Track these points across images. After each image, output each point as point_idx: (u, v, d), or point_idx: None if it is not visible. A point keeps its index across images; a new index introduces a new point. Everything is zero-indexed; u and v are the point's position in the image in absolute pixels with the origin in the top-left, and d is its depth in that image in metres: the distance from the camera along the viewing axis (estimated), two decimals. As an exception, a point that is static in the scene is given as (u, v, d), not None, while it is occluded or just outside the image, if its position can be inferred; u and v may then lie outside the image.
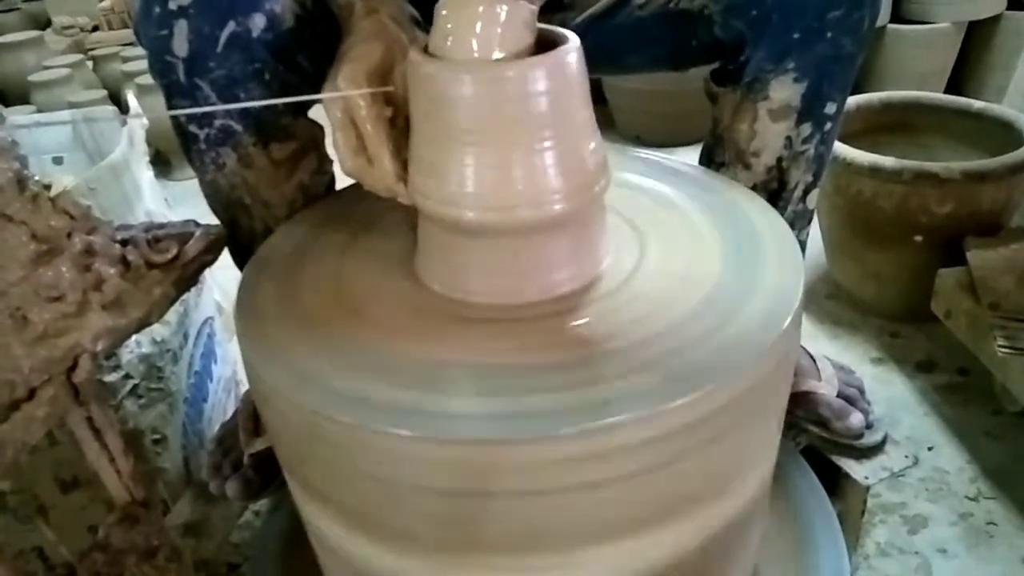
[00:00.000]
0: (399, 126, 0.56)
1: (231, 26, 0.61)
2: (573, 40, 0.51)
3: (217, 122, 0.65)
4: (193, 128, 0.66)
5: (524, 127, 0.50)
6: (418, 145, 0.53)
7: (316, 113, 0.68)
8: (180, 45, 0.61)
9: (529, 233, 0.53)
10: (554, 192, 0.51)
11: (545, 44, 0.51)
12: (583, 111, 0.52)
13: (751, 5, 0.68)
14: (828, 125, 0.72)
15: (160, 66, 0.63)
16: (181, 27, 0.60)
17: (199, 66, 0.62)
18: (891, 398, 1.12)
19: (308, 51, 0.64)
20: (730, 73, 0.74)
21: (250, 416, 0.82)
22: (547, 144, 0.50)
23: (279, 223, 0.72)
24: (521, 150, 0.50)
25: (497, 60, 0.50)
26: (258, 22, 0.62)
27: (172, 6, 0.60)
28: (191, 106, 0.64)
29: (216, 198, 0.72)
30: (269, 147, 0.68)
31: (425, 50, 0.52)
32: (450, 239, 0.55)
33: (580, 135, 0.52)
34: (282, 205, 0.71)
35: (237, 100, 0.64)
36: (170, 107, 0.66)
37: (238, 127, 0.66)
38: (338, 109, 0.55)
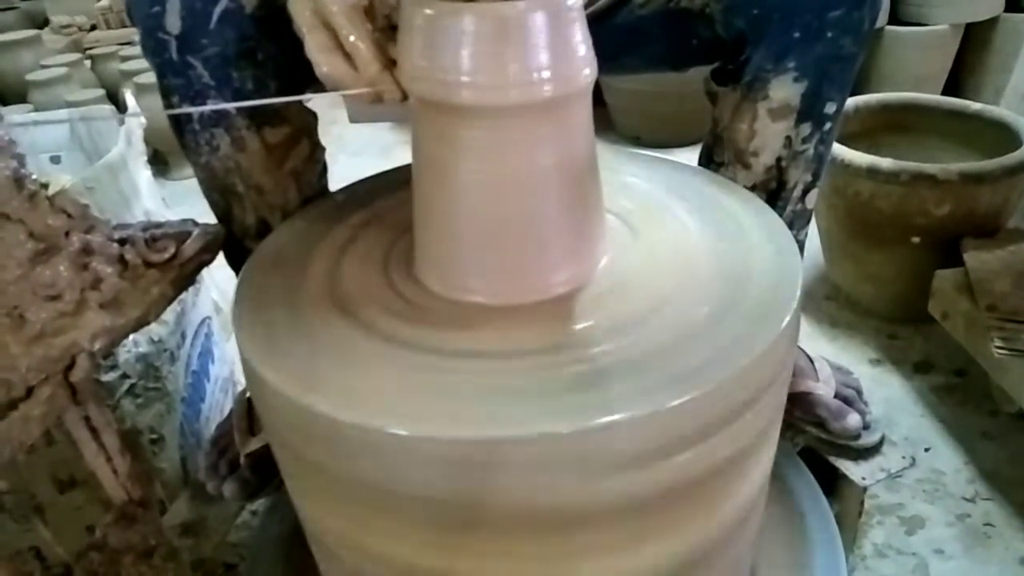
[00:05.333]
0: (379, 26, 0.53)
1: (224, 2, 0.61)
2: None
3: (210, 102, 0.65)
4: (186, 107, 0.66)
5: (520, 50, 0.49)
6: (409, 35, 0.51)
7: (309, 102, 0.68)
8: (172, 22, 0.61)
9: (520, 118, 0.51)
10: (544, 77, 0.50)
11: None
12: (578, 35, 0.52)
13: (752, 4, 0.68)
14: (828, 125, 0.72)
15: (152, 44, 0.63)
16: (173, 4, 0.60)
17: (191, 43, 0.62)
18: (889, 399, 1.12)
19: None
20: (730, 72, 0.74)
21: (244, 416, 0.82)
22: (542, 50, 0.50)
23: (273, 212, 0.72)
24: (515, 51, 0.49)
25: None
26: None
27: None
28: (183, 84, 0.64)
29: (211, 184, 0.72)
30: (262, 130, 0.68)
31: None
32: (440, 137, 0.53)
33: (571, 46, 0.52)
34: (276, 192, 0.71)
35: (230, 79, 0.64)
36: (162, 86, 0.66)
37: (230, 109, 0.65)
38: (307, 9, 0.53)
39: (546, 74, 0.50)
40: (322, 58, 0.53)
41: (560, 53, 0.50)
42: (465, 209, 0.54)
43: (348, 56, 0.52)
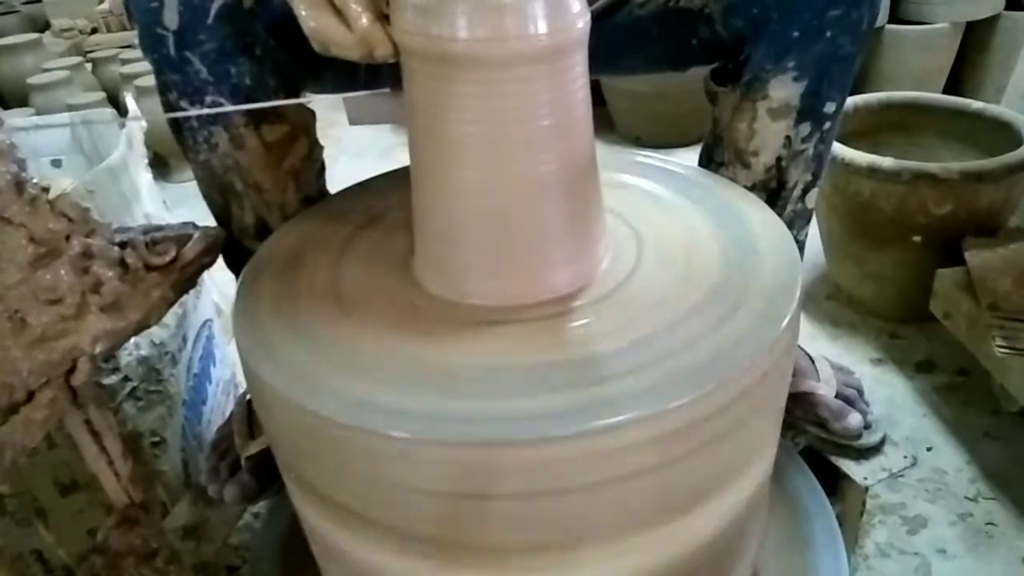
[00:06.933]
0: None
1: None
2: None
3: (208, 99, 0.65)
4: (184, 104, 0.66)
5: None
6: None
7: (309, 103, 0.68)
8: (171, 17, 0.61)
9: (516, 68, 0.50)
10: (539, 27, 0.49)
11: None
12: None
13: (751, 4, 0.68)
14: (827, 125, 0.72)
15: (150, 40, 0.63)
16: None
17: (189, 39, 0.62)
18: (891, 399, 1.12)
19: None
20: (730, 72, 0.74)
21: (244, 419, 0.82)
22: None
23: (271, 211, 0.71)
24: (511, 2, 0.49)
25: None
26: None
27: None
28: (181, 80, 0.64)
29: (209, 182, 0.72)
30: (260, 128, 0.68)
31: None
32: (433, 94, 0.52)
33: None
34: (274, 190, 0.71)
35: (227, 74, 0.64)
36: (159, 82, 0.66)
37: (228, 105, 0.65)
38: None
39: (542, 25, 0.49)
40: (309, 13, 0.51)
41: (554, 5, 0.49)
42: (463, 201, 0.54)
43: (337, 13, 0.51)
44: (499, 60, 0.49)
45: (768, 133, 0.72)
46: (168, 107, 0.67)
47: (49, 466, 0.78)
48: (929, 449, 1.03)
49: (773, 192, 0.75)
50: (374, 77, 0.78)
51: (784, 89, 0.69)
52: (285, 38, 0.67)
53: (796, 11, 0.66)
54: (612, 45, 0.77)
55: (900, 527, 0.92)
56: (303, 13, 0.51)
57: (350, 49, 0.51)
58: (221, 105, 0.65)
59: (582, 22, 0.52)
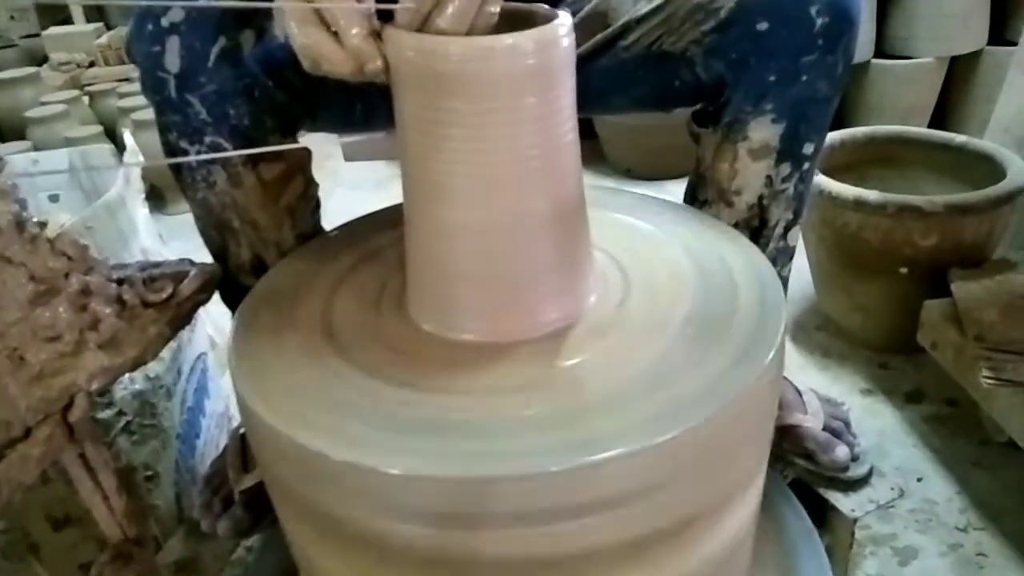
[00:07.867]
0: None
1: (222, 41, 0.63)
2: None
3: (207, 139, 0.66)
4: (184, 144, 0.67)
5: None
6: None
7: (305, 137, 0.69)
8: (172, 61, 0.62)
9: (504, 86, 0.51)
10: (527, 48, 0.50)
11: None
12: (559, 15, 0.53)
13: (730, 48, 0.70)
14: (806, 165, 0.74)
15: (152, 82, 0.64)
16: (173, 43, 0.62)
17: (190, 82, 0.63)
18: (881, 429, 1.12)
19: (298, 67, 0.65)
20: (711, 114, 0.76)
21: (238, 453, 0.83)
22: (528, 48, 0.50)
23: (268, 248, 0.73)
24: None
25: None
26: (248, 38, 0.64)
27: (164, 23, 0.61)
28: (181, 121, 0.65)
29: (207, 220, 0.73)
30: (258, 167, 0.69)
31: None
32: (427, 113, 0.53)
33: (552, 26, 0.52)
34: (271, 227, 0.73)
35: (227, 116, 0.66)
36: (160, 123, 0.67)
37: (227, 146, 0.66)
38: None
39: (529, 44, 0.50)
40: (301, 30, 0.50)
41: (542, 28, 0.51)
42: (454, 240, 0.55)
43: (328, 29, 0.51)
44: (487, 77, 0.50)
45: (749, 173, 0.74)
46: (168, 147, 0.69)
47: (42, 501, 0.78)
48: (919, 479, 1.03)
49: (756, 230, 0.77)
50: (369, 117, 0.80)
51: (763, 131, 0.71)
52: (282, 80, 0.68)
53: (772, 56, 0.68)
54: (599, 86, 0.79)
55: (891, 558, 0.93)
56: (294, 30, 0.51)
57: (340, 64, 0.51)
58: (220, 145, 0.67)
59: (567, 41, 0.53)
